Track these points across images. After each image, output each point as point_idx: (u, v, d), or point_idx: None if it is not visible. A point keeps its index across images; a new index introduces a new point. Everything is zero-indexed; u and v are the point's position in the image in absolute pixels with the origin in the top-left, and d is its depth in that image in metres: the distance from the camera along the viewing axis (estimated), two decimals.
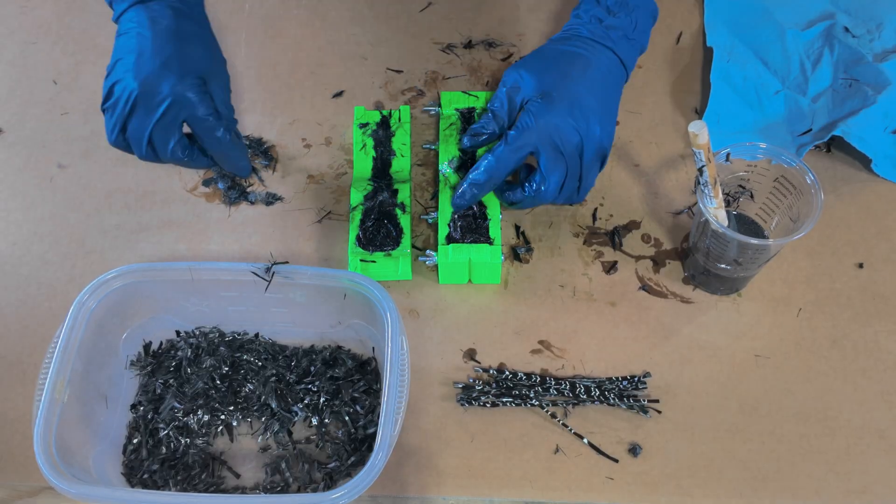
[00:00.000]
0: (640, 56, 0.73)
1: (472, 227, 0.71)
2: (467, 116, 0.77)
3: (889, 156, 0.77)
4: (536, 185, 0.68)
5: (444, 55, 0.86)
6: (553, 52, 0.71)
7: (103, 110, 0.69)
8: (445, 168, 0.74)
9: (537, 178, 0.68)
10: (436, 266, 0.72)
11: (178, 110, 0.67)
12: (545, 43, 0.73)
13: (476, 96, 0.78)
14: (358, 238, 0.72)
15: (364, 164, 0.77)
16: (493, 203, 0.73)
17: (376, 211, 0.73)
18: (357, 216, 0.73)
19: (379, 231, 0.72)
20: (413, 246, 0.74)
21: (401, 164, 0.77)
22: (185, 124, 0.69)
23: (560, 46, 0.71)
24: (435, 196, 0.76)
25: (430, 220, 0.75)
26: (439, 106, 0.79)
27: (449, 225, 0.72)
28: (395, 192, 0.74)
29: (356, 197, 0.74)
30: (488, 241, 0.71)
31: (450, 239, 0.71)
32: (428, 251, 0.72)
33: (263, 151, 0.80)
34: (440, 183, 0.74)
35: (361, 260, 0.71)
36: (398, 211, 0.73)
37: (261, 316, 0.70)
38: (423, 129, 0.82)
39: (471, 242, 0.71)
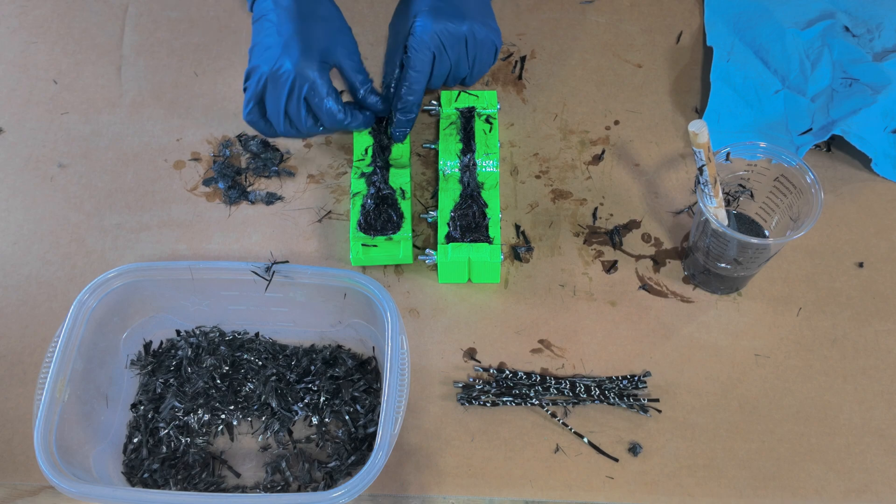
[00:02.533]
0: None
1: (471, 226, 0.72)
2: (467, 115, 0.77)
3: (889, 155, 0.78)
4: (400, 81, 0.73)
5: None
6: None
7: (244, 89, 0.75)
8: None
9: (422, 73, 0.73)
10: (435, 265, 0.73)
11: (301, 84, 0.71)
12: None
13: (476, 95, 0.78)
14: (359, 223, 0.73)
15: (363, 145, 0.77)
16: (493, 202, 0.73)
17: (377, 196, 0.74)
18: (358, 202, 0.74)
19: (380, 216, 0.73)
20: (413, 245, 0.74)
21: (400, 150, 0.77)
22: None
23: None
24: (435, 195, 0.76)
25: (430, 220, 0.75)
26: (439, 105, 0.79)
27: (448, 224, 0.72)
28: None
29: (357, 184, 0.75)
30: (488, 240, 0.71)
31: (449, 238, 0.71)
32: (427, 250, 0.72)
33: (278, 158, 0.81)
34: (440, 182, 0.74)
35: (363, 244, 0.72)
36: (398, 196, 0.74)
37: (261, 315, 0.70)
38: (424, 128, 0.82)
39: (470, 241, 0.71)
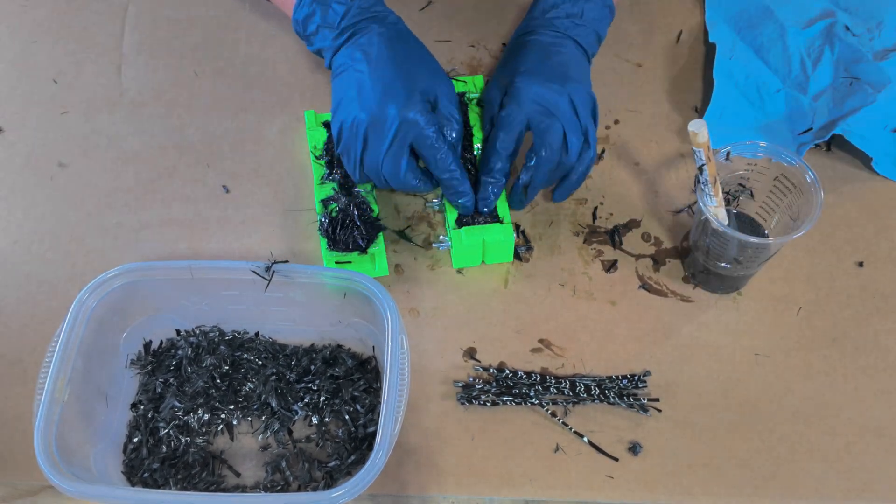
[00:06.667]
0: (599, 43, 0.77)
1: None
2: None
3: (889, 154, 0.77)
4: (537, 154, 0.69)
5: (444, 54, 0.86)
6: (515, 46, 0.76)
7: (339, 154, 0.70)
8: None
9: (536, 146, 0.69)
10: (449, 250, 0.73)
11: (405, 132, 0.66)
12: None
13: (464, 81, 0.77)
14: (329, 242, 0.71)
15: (321, 173, 0.75)
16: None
17: (343, 214, 0.72)
18: (333, 208, 0.72)
19: (352, 232, 0.71)
20: (407, 238, 0.74)
21: None
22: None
23: (518, 40, 0.76)
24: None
25: (436, 207, 0.75)
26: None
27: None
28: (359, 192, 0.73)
29: (321, 191, 0.73)
30: (498, 220, 0.71)
31: (460, 223, 0.71)
32: (441, 237, 0.72)
33: None
34: None
35: (337, 262, 0.71)
36: (364, 213, 0.72)
37: (261, 315, 0.70)
38: None
39: (482, 224, 0.71)
